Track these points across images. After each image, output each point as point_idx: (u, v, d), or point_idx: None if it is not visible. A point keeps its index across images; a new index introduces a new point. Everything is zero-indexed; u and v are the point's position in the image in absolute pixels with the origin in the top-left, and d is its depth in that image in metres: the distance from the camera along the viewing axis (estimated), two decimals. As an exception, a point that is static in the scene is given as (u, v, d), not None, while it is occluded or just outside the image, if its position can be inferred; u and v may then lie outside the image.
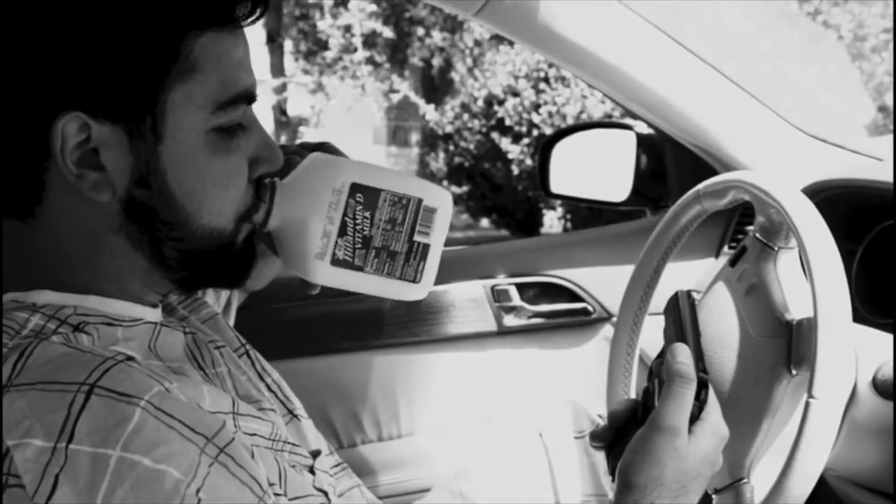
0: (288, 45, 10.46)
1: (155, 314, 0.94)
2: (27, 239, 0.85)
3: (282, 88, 10.19)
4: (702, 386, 0.99)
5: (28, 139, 0.81)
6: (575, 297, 1.82)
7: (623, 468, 0.97)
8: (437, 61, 10.39)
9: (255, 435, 0.90)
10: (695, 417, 0.98)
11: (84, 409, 0.70)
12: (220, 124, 0.86)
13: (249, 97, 0.89)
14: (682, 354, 1.00)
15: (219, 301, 1.27)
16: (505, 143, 8.32)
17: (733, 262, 1.26)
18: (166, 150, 0.84)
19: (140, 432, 0.71)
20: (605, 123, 1.97)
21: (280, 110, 10.41)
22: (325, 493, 1.01)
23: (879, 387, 1.14)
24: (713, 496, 1.17)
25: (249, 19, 0.88)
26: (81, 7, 0.79)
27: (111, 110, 0.81)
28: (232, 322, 1.30)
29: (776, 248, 1.19)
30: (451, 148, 9.32)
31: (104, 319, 0.86)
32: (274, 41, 10.24)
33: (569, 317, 1.83)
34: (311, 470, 1.01)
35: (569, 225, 8.47)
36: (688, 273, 1.69)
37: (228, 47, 0.86)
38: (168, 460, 0.71)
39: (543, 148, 1.90)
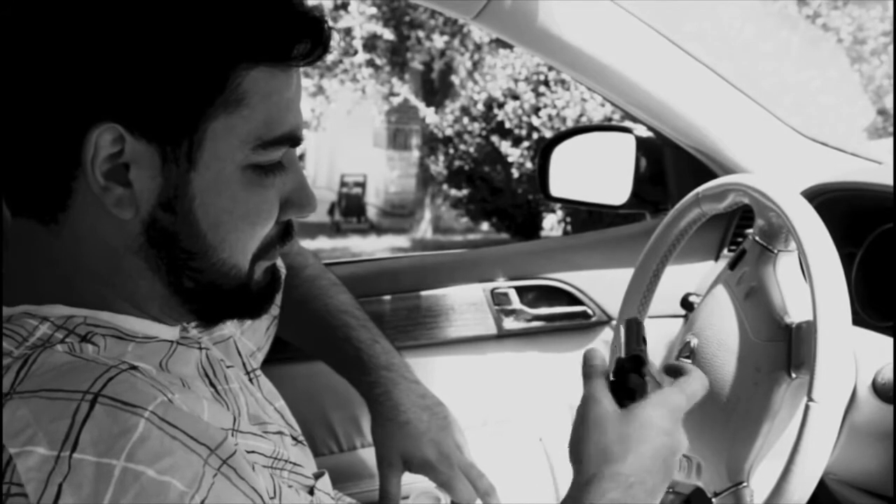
0: (288, 49, 10.45)
1: (172, 332, 0.93)
2: (47, 245, 0.84)
3: (282, 92, 10.18)
4: (627, 371, 1.00)
5: (62, 142, 0.79)
6: (574, 301, 1.82)
7: (568, 450, 0.97)
8: (437, 64, 10.39)
9: (253, 452, 0.89)
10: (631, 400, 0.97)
11: (88, 418, 0.70)
12: (259, 162, 0.84)
13: (294, 140, 0.87)
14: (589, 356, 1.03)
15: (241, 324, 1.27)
16: (505, 146, 8.35)
17: (733, 266, 1.26)
18: (198, 178, 0.82)
19: (144, 443, 0.70)
20: (605, 126, 1.98)
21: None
22: None
23: (879, 390, 1.14)
24: (713, 499, 1.17)
25: (306, 60, 0.86)
26: (136, 19, 0.78)
27: (149, 128, 0.80)
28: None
29: (776, 252, 1.19)
30: (451, 151, 9.34)
31: (115, 332, 0.85)
32: (274, 44, 10.24)
33: (568, 320, 1.83)
34: (311, 491, 1.01)
35: (569, 228, 8.49)
36: (687, 276, 1.69)
37: (280, 85, 0.84)
38: (172, 472, 0.70)
39: (543, 151, 1.90)
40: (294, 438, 1.08)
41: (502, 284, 1.80)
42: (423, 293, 1.75)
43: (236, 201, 0.84)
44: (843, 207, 1.44)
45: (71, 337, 0.81)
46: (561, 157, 1.88)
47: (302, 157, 11.57)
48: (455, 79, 10.64)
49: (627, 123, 1.90)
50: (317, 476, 1.04)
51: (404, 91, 9.82)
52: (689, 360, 1.26)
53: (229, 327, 1.16)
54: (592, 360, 1.01)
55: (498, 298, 1.79)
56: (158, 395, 0.74)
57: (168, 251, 0.84)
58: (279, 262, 1.33)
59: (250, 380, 1.08)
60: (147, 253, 0.84)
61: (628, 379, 0.99)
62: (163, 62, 0.78)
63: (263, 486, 0.80)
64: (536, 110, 8.10)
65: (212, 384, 0.95)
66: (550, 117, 7.96)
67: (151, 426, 0.71)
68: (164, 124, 0.80)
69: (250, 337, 1.24)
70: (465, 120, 9.03)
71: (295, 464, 0.98)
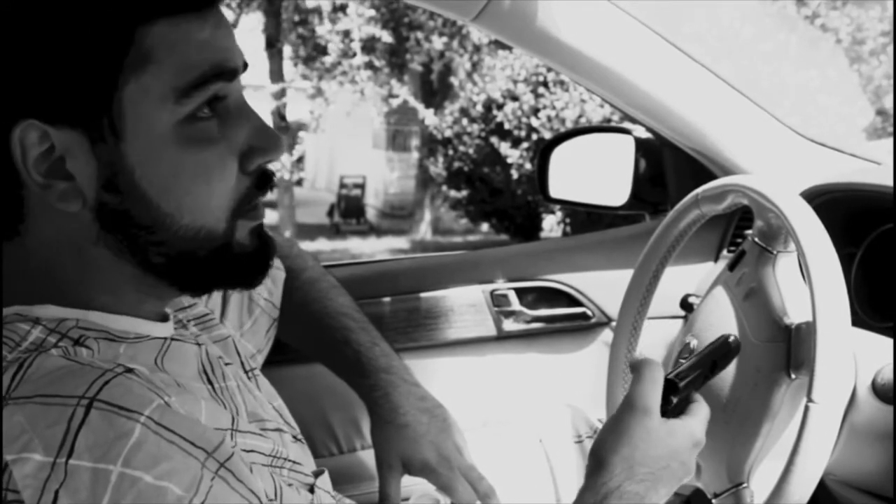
0: (287, 51, 10.47)
1: (164, 329, 0.92)
2: (22, 257, 0.83)
3: (281, 94, 10.19)
4: (674, 388, 1.01)
5: None
6: (574, 302, 1.82)
7: (594, 448, 0.98)
8: (436, 66, 10.40)
9: (252, 451, 0.88)
10: (670, 414, 0.99)
11: (84, 423, 0.69)
12: (189, 112, 0.81)
13: (220, 73, 0.82)
14: (642, 355, 1.03)
15: (248, 317, 1.27)
16: (504, 147, 8.35)
17: (732, 267, 1.26)
18: (130, 149, 0.79)
19: (141, 448, 0.70)
20: (604, 128, 1.98)
21: (279, 116, 10.41)
22: None
23: (879, 391, 1.14)
24: (713, 500, 1.17)
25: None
26: (20, 10, 0.76)
27: (66, 114, 0.78)
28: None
29: (775, 252, 1.19)
30: (451, 152, 9.35)
31: (105, 335, 0.84)
32: (273, 47, 10.26)
33: (568, 321, 1.83)
34: (311, 489, 1.01)
35: (568, 229, 8.50)
36: (687, 277, 1.69)
37: (188, 31, 0.80)
38: (169, 477, 0.70)
39: (542, 152, 1.90)
40: (294, 437, 1.08)
41: (502, 286, 1.80)
42: (423, 295, 1.75)
43: (179, 162, 0.81)
44: (842, 208, 1.44)
45: (64, 341, 0.80)
46: (560, 159, 1.88)
47: (301, 158, 11.57)
48: (454, 80, 10.64)
49: (626, 125, 1.90)
50: (316, 474, 1.04)
51: (403, 93, 9.81)
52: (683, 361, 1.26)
53: (228, 327, 1.15)
54: (653, 368, 1.00)
55: (497, 300, 1.79)
56: (155, 398, 0.73)
57: (125, 232, 0.82)
58: (278, 261, 1.33)
59: (249, 378, 1.07)
60: (107, 240, 0.83)
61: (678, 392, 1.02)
62: (59, 44, 0.77)
63: (262, 487, 0.80)
64: (535, 111, 8.11)
65: (209, 381, 0.94)
66: (549, 118, 7.97)
67: (148, 431, 0.71)
68: (79, 105, 0.78)
69: (250, 339, 1.24)
70: (465, 121, 9.04)
71: (294, 462, 0.97)
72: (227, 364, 1.01)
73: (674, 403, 1.00)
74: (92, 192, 0.80)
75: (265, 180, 0.88)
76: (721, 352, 1.10)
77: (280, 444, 0.98)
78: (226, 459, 0.75)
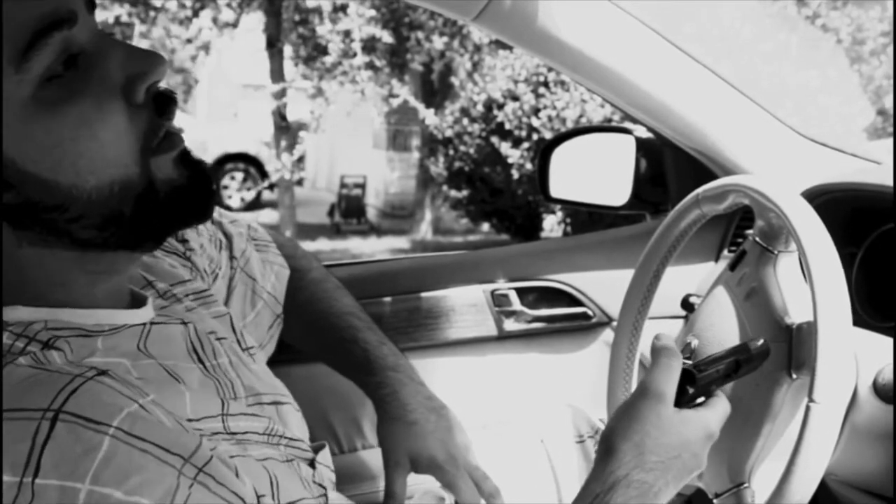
0: (287, 51, 10.46)
1: (141, 315, 0.89)
2: None
3: (281, 94, 10.18)
4: (692, 379, 1.01)
5: None
6: (575, 302, 1.82)
7: (605, 434, 0.97)
8: (436, 66, 10.39)
9: (247, 433, 0.87)
10: (685, 405, 0.99)
11: (49, 438, 0.66)
12: (39, 76, 0.74)
13: (56, 22, 0.75)
14: (666, 337, 1.02)
15: (251, 306, 1.28)
16: (505, 147, 8.35)
17: (733, 266, 1.26)
18: None
19: (110, 462, 0.67)
20: (605, 127, 1.98)
21: (280, 115, 10.41)
22: (324, 489, 1.00)
23: (880, 391, 1.14)
24: (714, 500, 1.17)
25: None
26: None
27: None
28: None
29: (776, 252, 1.19)
30: (451, 152, 9.34)
31: (79, 332, 0.81)
32: (273, 46, 10.24)
33: (569, 321, 1.83)
34: (312, 463, 1.00)
35: (569, 229, 8.49)
36: (687, 277, 1.69)
37: None
38: (141, 490, 0.67)
39: (543, 152, 1.90)
40: (296, 408, 1.07)
41: (503, 286, 1.80)
42: (424, 295, 1.75)
43: (53, 130, 0.76)
44: (843, 208, 1.44)
45: (33, 345, 0.77)
46: (561, 159, 1.88)
47: (302, 158, 11.55)
48: (455, 80, 10.63)
49: (627, 124, 1.90)
50: (317, 449, 1.03)
51: (404, 92, 9.80)
52: (690, 361, 1.26)
53: (238, 307, 1.15)
54: (671, 356, 1.00)
55: (498, 300, 1.79)
56: (126, 404, 0.70)
57: (38, 222, 0.78)
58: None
59: (245, 353, 1.06)
60: (27, 238, 0.79)
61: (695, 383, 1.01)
62: None
63: (249, 487, 0.78)
64: (536, 111, 8.10)
65: (200, 360, 0.92)
66: (550, 118, 7.96)
67: (117, 443, 0.68)
68: None
69: (252, 331, 1.24)
70: (465, 121, 9.03)
71: (291, 438, 0.96)
72: (219, 339, 0.99)
73: (690, 394, 1.00)
74: None
75: (164, 102, 0.82)
76: (745, 353, 1.09)
77: (276, 419, 0.97)
78: (204, 464, 0.72)
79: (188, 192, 0.85)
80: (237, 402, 0.91)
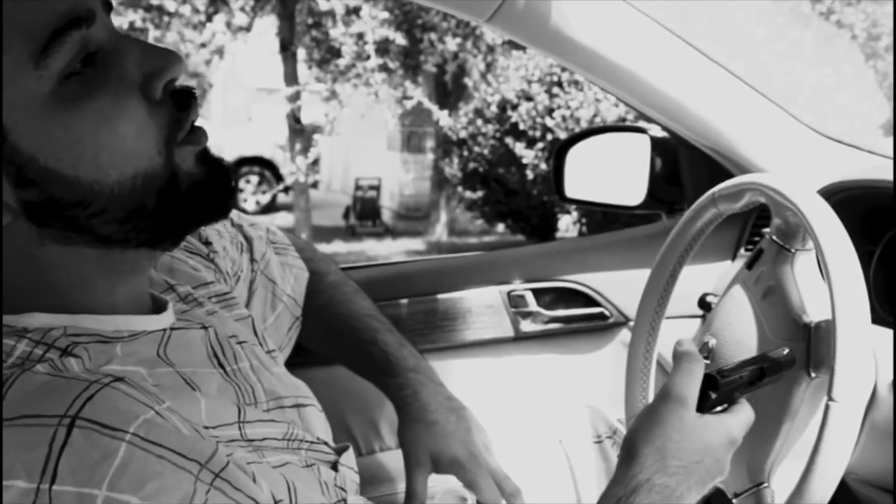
0: (301, 54, 10.49)
1: (162, 320, 0.89)
2: None
3: (295, 97, 10.21)
4: (714, 384, 1.00)
5: None
6: (591, 302, 1.82)
7: (628, 437, 0.97)
8: (450, 67, 10.40)
9: (265, 440, 0.87)
10: (706, 410, 0.99)
11: (66, 444, 0.66)
12: (58, 73, 0.75)
13: (74, 20, 0.76)
14: (688, 343, 1.02)
15: (272, 310, 1.28)
16: (519, 147, 8.34)
17: (750, 265, 1.26)
18: (20, 137, 0.75)
19: (127, 468, 0.67)
20: (619, 127, 1.97)
21: (294, 118, 10.44)
22: (345, 492, 1.00)
23: (899, 389, 1.13)
24: (733, 500, 1.17)
25: None
26: None
27: None
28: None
29: (793, 251, 1.19)
30: (466, 153, 9.35)
31: (97, 338, 0.81)
32: (287, 50, 10.27)
33: (586, 321, 1.83)
34: (335, 466, 1.00)
35: (584, 229, 8.48)
36: (704, 276, 1.68)
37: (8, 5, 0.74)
38: (158, 496, 0.67)
39: (557, 153, 1.90)
40: (320, 409, 1.07)
41: (519, 287, 1.80)
42: (440, 296, 1.75)
43: (74, 125, 0.76)
44: (860, 205, 1.43)
45: (51, 352, 0.77)
46: (576, 159, 1.88)
47: (316, 161, 11.57)
48: (468, 81, 10.64)
49: (642, 124, 1.90)
50: (339, 451, 1.03)
51: (417, 94, 9.81)
52: (708, 361, 1.26)
53: (246, 308, 1.16)
54: (693, 361, 1.00)
55: (514, 301, 1.79)
56: (142, 411, 0.70)
57: (61, 218, 0.79)
58: (296, 257, 1.33)
59: (270, 357, 1.06)
60: (50, 235, 0.80)
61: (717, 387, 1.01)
62: None
63: (267, 492, 0.78)
64: (550, 111, 8.09)
65: (220, 364, 0.92)
66: (564, 118, 7.95)
67: (134, 449, 0.68)
68: None
69: (272, 334, 1.24)
70: (479, 122, 9.03)
71: (313, 441, 0.96)
72: (241, 342, 0.99)
73: (712, 399, 1.00)
74: (12, 198, 0.77)
75: (184, 97, 0.83)
76: (770, 360, 1.08)
77: (298, 422, 0.97)
78: (221, 469, 0.72)
79: (208, 188, 0.85)
80: (255, 409, 0.91)
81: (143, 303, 0.91)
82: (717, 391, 1.00)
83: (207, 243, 1.17)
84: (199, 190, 0.84)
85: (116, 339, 0.83)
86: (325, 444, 0.99)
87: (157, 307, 0.93)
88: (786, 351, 1.09)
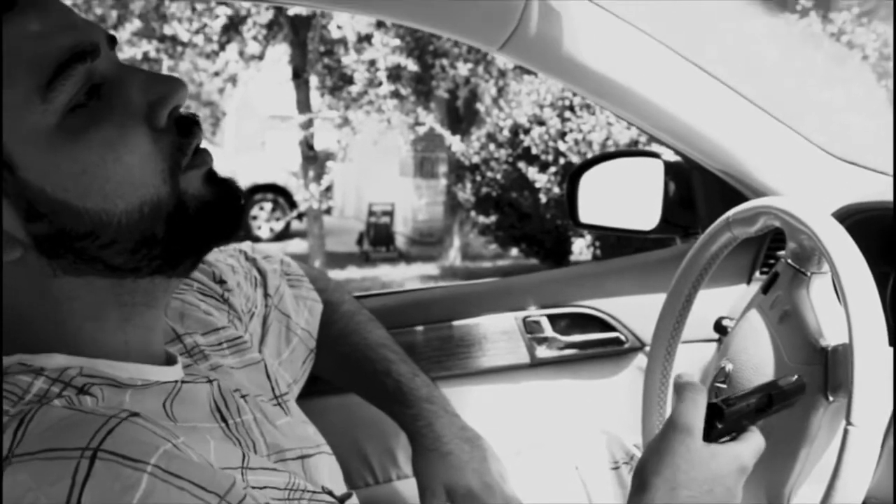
0: (313, 81, 10.53)
1: (173, 373, 0.90)
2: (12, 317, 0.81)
3: (308, 124, 10.25)
4: (720, 414, 1.00)
5: None
6: (607, 327, 1.82)
7: (638, 468, 0.97)
8: (461, 92, 10.42)
9: (266, 488, 0.87)
10: (713, 439, 0.99)
11: (89, 477, 0.67)
12: (64, 106, 0.76)
13: (78, 54, 0.77)
14: (688, 375, 1.03)
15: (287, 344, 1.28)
16: (532, 171, 8.34)
17: (766, 289, 1.26)
18: (27, 170, 0.76)
19: (149, 499, 0.67)
20: (632, 152, 1.97)
21: (307, 145, 10.47)
22: None
23: (918, 412, 1.12)
24: (753, 526, 1.16)
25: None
26: None
27: None
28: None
29: (809, 274, 1.18)
30: (479, 178, 9.35)
31: (111, 382, 0.82)
32: (299, 77, 10.32)
33: (601, 347, 1.83)
34: None
35: (598, 252, 8.46)
36: (719, 300, 1.68)
37: (15, 30, 0.75)
38: None
39: (571, 178, 1.90)
40: (328, 453, 1.07)
41: (534, 313, 1.80)
42: (455, 323, 1.75)
43: (80, 157, 0.77)
44: (875, 227, 1.43)
45: (68, 390, 0.78)
46: (589, 184, 1.88)
47: (330, 188, 11.62)
48: (480, 106, 10.65)
49: (655, 148, 1.90)
50: (342, 499, 1.03)
51: (430, 120, 9.83)
52: (725, 386, 1.25)
53: (266, 355, 1.16)
54: (696, 391, 1.00)
55: (530, 327, 1.78)
56: (161, 443, 0.71)
57: (71, 250, 0.79)
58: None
59: (279, 404, 1.07)
60: (61, 267, 0.80)
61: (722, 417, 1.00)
62: None
63: None
64: (562, 135, 8.10)
65: (223, 419, 0.92)
66: (577, 142, 7.96)
67: (156, 480, 0.68)
68: None
69: (287, 368, 1.24)
70: (492, 147, 9.04)
71: (315, 492, 0.95)
72: (244, 395, 0.99)
73: (718, 429, 0.99)
74: (21, 231, 0.78)
75: (186, 124, 0.84)
76: (778, 388, 1.07)
77: (301, 474, 0.97)
78: (239, 501, 0.73)
79: (218, 208, 0.85)
80: (258, 457, 0.91)
81: (157, 354, 0.91)
82: (723, 421, 1.00)
83: (222, 282, 1.17)
84: (208, 211, 0.84)
85: (129, 385, 0.84)
86: (329, 493, 0.99)
87: (168, 359, 0.93)
88: (794, 377, 1.09)
